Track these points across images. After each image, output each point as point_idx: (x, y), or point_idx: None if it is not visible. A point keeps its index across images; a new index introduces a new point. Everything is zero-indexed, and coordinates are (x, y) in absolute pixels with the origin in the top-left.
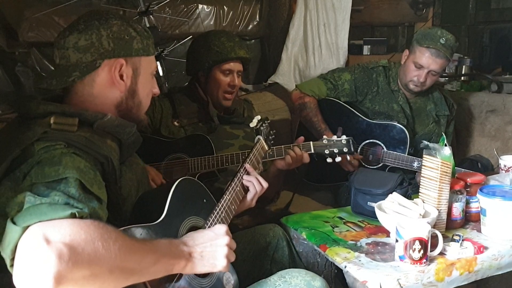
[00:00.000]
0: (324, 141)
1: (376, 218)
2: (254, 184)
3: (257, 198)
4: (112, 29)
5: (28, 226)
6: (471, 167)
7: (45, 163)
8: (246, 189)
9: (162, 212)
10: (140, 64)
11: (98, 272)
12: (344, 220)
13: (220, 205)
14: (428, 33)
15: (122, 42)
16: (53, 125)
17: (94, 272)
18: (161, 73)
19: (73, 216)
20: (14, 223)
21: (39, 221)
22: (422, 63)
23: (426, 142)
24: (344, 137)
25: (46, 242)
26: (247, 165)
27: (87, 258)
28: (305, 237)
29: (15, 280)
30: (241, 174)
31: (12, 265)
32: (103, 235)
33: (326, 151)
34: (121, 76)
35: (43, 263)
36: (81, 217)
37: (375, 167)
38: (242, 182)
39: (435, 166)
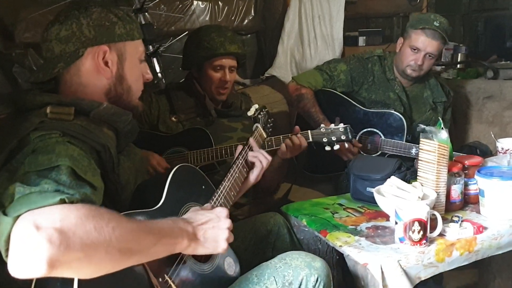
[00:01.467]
0: (321, 129)
1: (376, 203)
2: (260, 158)
3: (262, 172)
4: (92, 17)
5: (19, 216)
6: (470, 154)
7: (39, 152)
8: (250, 167)
9: (161, 199)
10: (125, 49)
11: (93, 254)
12: (344, 207)
13: (219, 191)
14: (421, 17)
15: (103, 28)
16: (49, 114)
17: (88, 254)
18: (157, 70)
19: (62, 202)
20: (5, 214)
21: (29, 210)
22: (419, 46)
23: (422, 126)
24: (341, 125)
25: (36, 228)
26: (251, 139)
27: (79, 241)
28: (305, 224)
29: (10, 269)
30: (243, 156)
31: (7, 256)
32: (94, 217)
33: (324, 139)
34: (106, 63)
35: (35, 250)
36: (71, 203)
37: (373, 155)
38: (245, 162)
39: (432, 148)
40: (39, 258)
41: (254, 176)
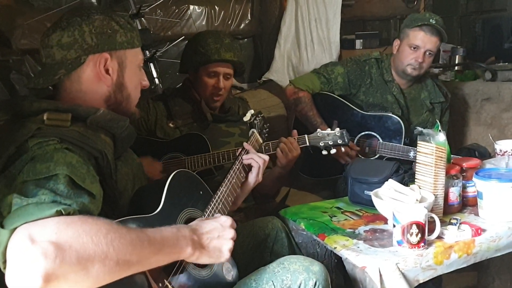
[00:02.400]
0: (318, 134)
1: (374, 206)
2: (255, 159)
3: (262, 172)
4: (94, 24)
5: (15, 228)
6: (468, 156)
7: (37, 160)
8: (247, 170)
9: (159, 205)
10: (126, 57)
11: (90, 267)
12: (342, 210)
13: (216, 197)
14: (417, 16)
15: (105, 36)
16: (46, 121)
17: (85, 267)
18: (154, 75)
19: (59, 213)
20: (2, 226)
21: (26, 222)
22: (418, 43)
23: (420, 129)
24: (337, 129)
25: (31, 242)
26: (245, 144)
27: (75, 254)
28: (303, 227)
29: (7, 281)
30: (240, 161)
31: (5, 268)
32: (91, 229)
33: (321, 143)
34: (107, 71)
35: (30, 263)
36: (68, 214)
37: (371, 159)
38: (242, 167)
39: (430, 151)
40: (35, 272)
41: (253, 177)
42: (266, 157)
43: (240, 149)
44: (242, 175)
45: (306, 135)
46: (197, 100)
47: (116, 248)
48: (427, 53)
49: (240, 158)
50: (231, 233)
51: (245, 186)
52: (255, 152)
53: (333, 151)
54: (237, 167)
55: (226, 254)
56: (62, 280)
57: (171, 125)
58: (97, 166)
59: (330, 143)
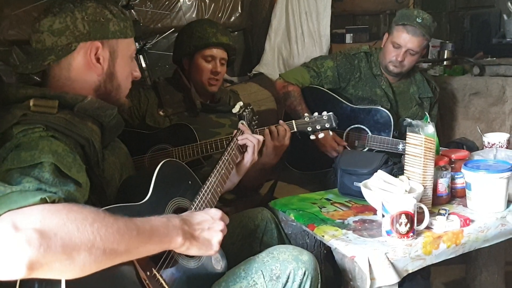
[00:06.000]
0: (305, 118)
1: (363, 197)
2: (249, 138)
3: (257, 151)
4: (87, 12)
5: None
6: None
7: (22, 148)
8: (242, 151)
9: (147, 194)
10: (118, 46)
11: (75, 255)
12: (331, 201)
13: (205, 187)
14: (405, 13)
15: (98, 24)
16: (32, 107)
17: (71, 256)
18: (144, 67)
19: (44, 201)
20: None
21: (9, 210)
22: (399, 42)
23: (409, 120)
24: (324, 112)
25: (15, 229)
26: (240, 125)
27: (60, 243)
28: (293, 218)
29: None
30: (235, 143)
31: None
32: (77, 217)
33: (309, 128)
34: (98, 59)
35: (14, 251)
36: (53, 201)
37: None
38: (237, 148)
39: (419, 142)
40: (18, 260)
41: (249, 156)
42: (261, 137)
43: (236, 131)
44: (236, 156)
45: (293, 121)
46: (187, 87)
47: (103, 237)
48: (409, 52)
49: (235, 139)
50: (220, 225)
51: (241, 166)
52: (250, 133)
53: (321, 135)
54: (226, 158)
55: (215, 247)
56: (47, 268)
57: (161, 113)
58: (84, 155)
59: (318, 127)
